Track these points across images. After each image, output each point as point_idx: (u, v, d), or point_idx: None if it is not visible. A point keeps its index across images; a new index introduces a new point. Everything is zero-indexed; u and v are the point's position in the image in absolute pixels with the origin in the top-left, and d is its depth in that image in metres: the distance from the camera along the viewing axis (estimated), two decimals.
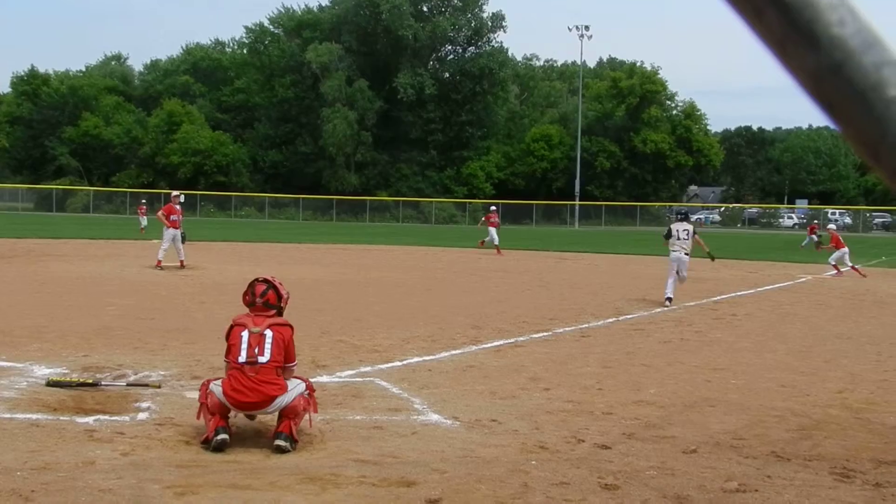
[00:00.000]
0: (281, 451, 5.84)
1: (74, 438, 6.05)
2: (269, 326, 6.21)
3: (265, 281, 6.49)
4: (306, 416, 6.18)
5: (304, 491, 5.12)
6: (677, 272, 15.97)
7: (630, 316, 14.21)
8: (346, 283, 18.89)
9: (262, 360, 6.07)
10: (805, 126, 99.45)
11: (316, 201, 70.26)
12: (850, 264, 24.13)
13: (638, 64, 79.18)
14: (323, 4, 79.08)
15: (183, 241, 21.12)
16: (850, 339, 12.22)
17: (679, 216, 17.13)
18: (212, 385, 6.14)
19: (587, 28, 74.39)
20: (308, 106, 72.67)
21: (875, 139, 0.62)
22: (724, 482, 5.51)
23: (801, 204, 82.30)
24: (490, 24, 76.72)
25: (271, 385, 6.04)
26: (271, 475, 5.40)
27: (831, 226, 27.81)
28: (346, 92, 70.37)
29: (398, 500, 5.01)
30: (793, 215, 78.53)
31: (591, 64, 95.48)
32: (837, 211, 71.41)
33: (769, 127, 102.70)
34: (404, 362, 9.38)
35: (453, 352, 10.20)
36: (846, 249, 24.24)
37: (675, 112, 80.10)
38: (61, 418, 6.57)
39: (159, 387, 7.68)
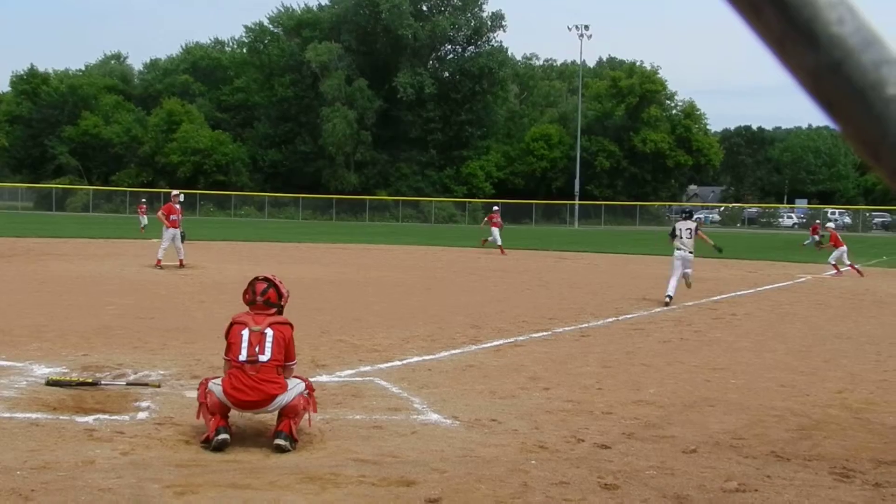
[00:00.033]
0: (281, 450, 5.83)
1: (74, 438, 6.04)
2: (270, 325, 6.20)
3: (266, 279, 6.48)
4: (305, 416, 6.17)
5: (304, 490, 5.12)
6: (684, 274, 16.00)
7: (630, 315, 14.22)
8: (346, 282, 18.89)
9: (262, 358, 6.06)
10: (805, 126, 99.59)
11: (315, 201, 70.24)
12: (849, 263, 24.16)
13: (637, 63, 79.20)
14: (322, 4, 79.14)
15: (182, 241, 21.12)
16: (850, 339, 12.22)
17: (683, 215, 17.22)
18: (210, 384, 6.13)
19: (587, 27, 74.46)
20: (307, 105, 72.65)
21: (875, 138, 0.62)
22: (723, 482, 5.51)
23: (801, 204, 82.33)
24: (490, 23, 76.73)
25: (272, 384, 6.04)
26: (271, 474, 5.40)
27: (829, 224, 27.82)
28: (345, 91, 70.35)
29: (398, 499, 5.01)
30: (792, 215, 78.51)
31: (591, 63, 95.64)
32: (837, 211, 71.39)
33: (769, 126, 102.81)
34: (404, 362, 9.39)
35: (453, 351, 10.21)
36: (844, 248, 24.27)
37: (674, 112, 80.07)
38: (61, 417, 6.57)
39: (159, 386, 7.68)
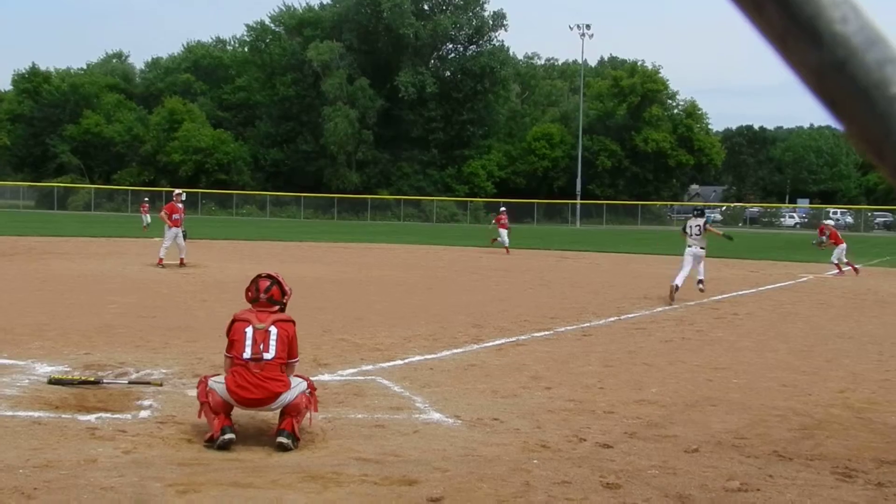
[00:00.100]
0: (283, 448, 5.83)
1: (76, 436, 6.05)
2: (274, 322, 6.20)
3: (269, 276, 6.47)
4: (307, 415, 6.17)
5: (306, 489, 5.12)
6: (698, 281, 16.52)
7: (631, 315, 14.21)
8: (348, 281, 18.89)
9: (267, 356, 6.06)
10: (806, 125, 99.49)
11: (317, 200, 70.25)
12: (846, 260, 24.18)
13: (639, 63, 79.08)
14: (324, 2, 79.12)
15: (184, 239, 21.15)
16: (852, 339, 12.21)
17: (695, 212, 17.65)
18: (211, 382, 6.09)
19: (588, 27, 74.40)
20: (309, 104, 72.65)
21: (878, 137, 0.62)
22: (725, 481, 5.50)
23: (803, 203, 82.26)
24: (491, 22, 76.70)
25: (276, 382, 6.03)
26: (273, 473, 5.40)
27: (828, 221, 27.80)
28: (347, 90, 70.35)
29: (400, 498, 5.01)
30: (794, 215, 78.43)
31: (593, 63, 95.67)
32: (839, 210, 71.32)
33: (770, 126, 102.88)
34: (406, 361, 9.39)
35: (455, 350, 10.21)
36: (844, 245, 24.30)
37: (676, 111, 79.98)
38: (63, 416, 6.58)
39: (161, 385, 7.68)
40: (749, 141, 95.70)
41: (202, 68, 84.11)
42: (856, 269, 23.93)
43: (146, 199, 43.37)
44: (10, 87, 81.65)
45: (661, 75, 77.23)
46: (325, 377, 8.15)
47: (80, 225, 41.61)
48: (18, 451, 5.64)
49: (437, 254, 29.94)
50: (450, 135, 74.16)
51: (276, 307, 6.35)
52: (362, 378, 8.39)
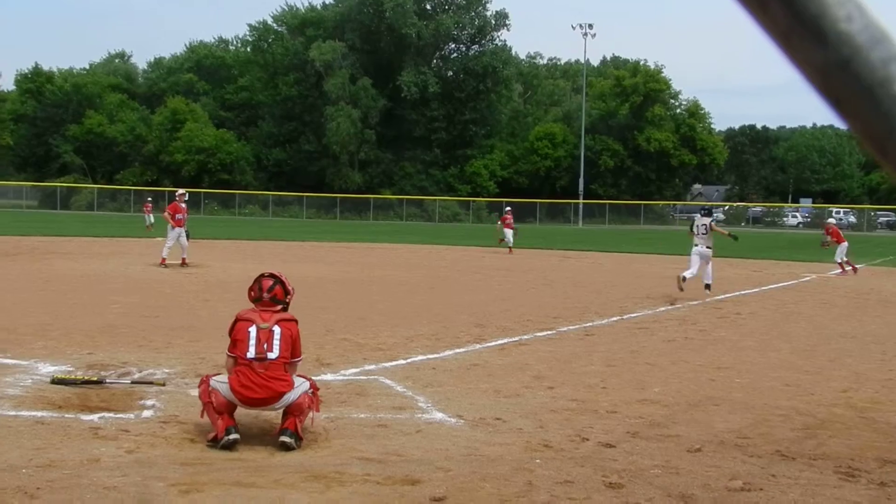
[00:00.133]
0: (286, 447, 5.83)
1: (79, 436, 6.06)
2: (278, 322, 6.20)
3: (272, 276, 6.47)
4: (309, 415, 6.17)
5: (309, 489, 5.12)
6: (706, 285, 16.79)
7: (634, 314, 14.21)
8: (350, 281, 18.90)
9: (271, 356, 6.05)
10: (809, 125, 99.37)
11: (319, 199, 70.29)
12: (846, 259, 24.16)
13: (641, 62, 79.02)
14: (326, 2, 79.18)
15: (187, 239, 21.17)
16: (855, 338, 12.20)
17: (703, 212, 17.83)
18: (213, 382, 6.07)
19: (591, 26, 74.39)
20: (311, 104, 72.70)
21: (883, 135, 0.62)
22: (728, 481, 5.50)
23: (806, 203, 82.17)
24: (493, 22, 76.71)
25: (280, 381, 6.03)
26: (276, 473, 5.40)
27: (830, 220, 27.76)
28: (349, 90, 70.38)
29: (402, 498, 5.01)
30: (797, 214, 78.36)
31: (595, 62, 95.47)
32: (842, 210, 71.24)
33: (773, 125, 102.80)
34: (408, 360, 9.39)
35: (457, 350, 10.21)
36: (846, 244, 24.29)
37: (678, 111, 79.92)
38: (66, 416, 6.59)
39: (164, 384, 7.69)
40: (752, 140, 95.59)
41: (205, 68, 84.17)
42: (854, 269, 23.90)
43: (149, 198, 43.43)
44: (14, 87, 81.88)
45: (663, 75, 77.21)
46: (328, 377, 8.15)
47: (83, 225, 41.66)
48: (21, 450, 5.65)
49: (440, 253, 29.95)
50: (452, 134, 74.18)
51: (279, 306, 6.35)
52: (365, 378, 8.39)
